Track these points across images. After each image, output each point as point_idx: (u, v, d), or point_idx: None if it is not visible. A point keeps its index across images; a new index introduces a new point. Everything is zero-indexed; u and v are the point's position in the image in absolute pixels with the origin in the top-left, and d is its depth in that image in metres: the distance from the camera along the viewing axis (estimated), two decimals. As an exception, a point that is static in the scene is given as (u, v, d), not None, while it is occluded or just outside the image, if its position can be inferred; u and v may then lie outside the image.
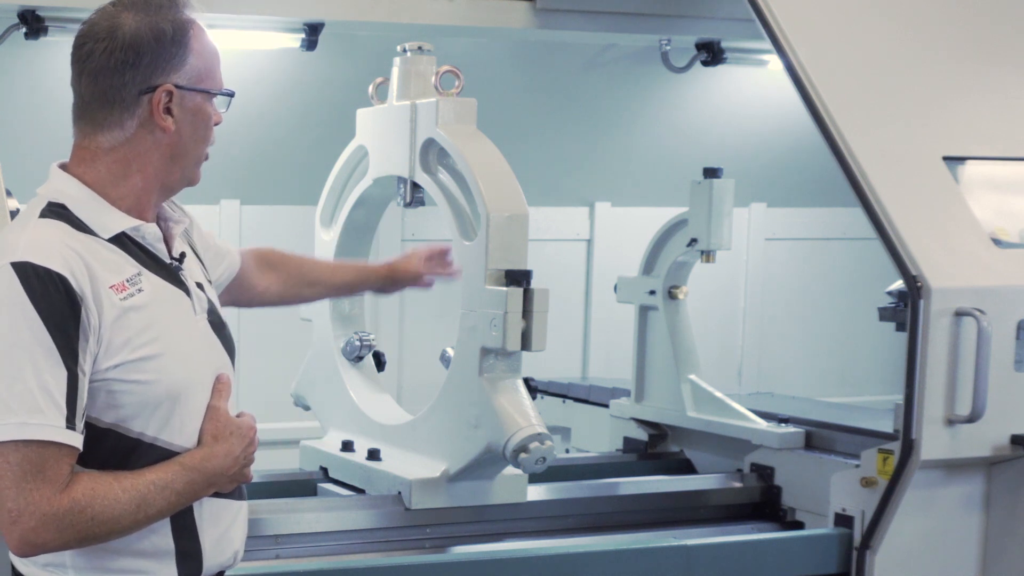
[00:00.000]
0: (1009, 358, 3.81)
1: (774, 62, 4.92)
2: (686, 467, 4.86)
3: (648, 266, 4.88)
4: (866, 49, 4.24)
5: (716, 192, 4.53)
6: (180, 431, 2.21)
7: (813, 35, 4.16)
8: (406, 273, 3.19)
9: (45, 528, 2.07)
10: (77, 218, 2.18)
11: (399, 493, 3.92)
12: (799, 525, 4.38)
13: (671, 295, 4.83)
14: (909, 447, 3.75)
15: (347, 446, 4.29)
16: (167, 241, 2.30)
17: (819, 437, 4.50)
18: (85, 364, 2.09)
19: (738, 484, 4.53)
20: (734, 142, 6.16)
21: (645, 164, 6.21)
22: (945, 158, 4.04)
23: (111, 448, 2.17)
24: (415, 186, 4.11)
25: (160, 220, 2.31)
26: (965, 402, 3.74)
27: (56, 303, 2.06)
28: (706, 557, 3.87)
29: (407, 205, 4.17)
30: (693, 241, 4.62)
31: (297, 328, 4.77)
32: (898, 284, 3.84)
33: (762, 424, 4.57)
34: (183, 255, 2.32)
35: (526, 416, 3.69)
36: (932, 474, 3.85)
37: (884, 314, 3.93)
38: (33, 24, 4.38)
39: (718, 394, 4.76)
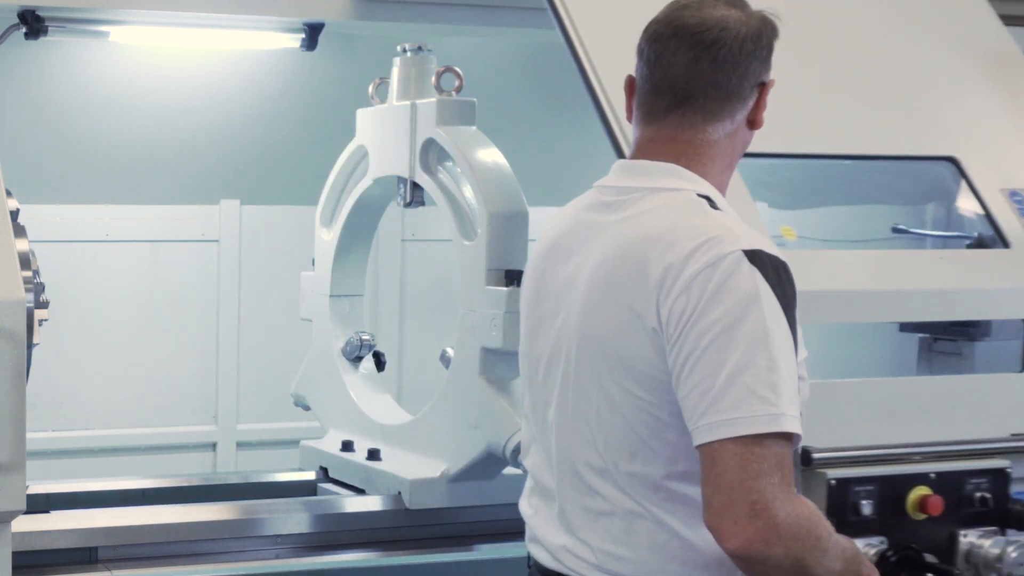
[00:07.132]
0: (1009, 358, 3.81)
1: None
2: (686, 467, 4.85)
3: (648, 266, 4.86)
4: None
5: (716, 192, 4.53)
6: None
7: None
8: None
9: (785, 527, 1.89)
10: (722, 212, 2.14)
11: (399, 493, 3.92)
12: (799, 525, 4.37)
13: (671, 295, 4.81)
14: (909, 447, 3.74)
15: (347, 446, 4.29)
16: None
17: (819, 437, 4.49)
18: (799, 356, 2.05)
19: (738, 484, 4.51)
20: (734, 142, 6.15)
21: (645, 164, 6.20)
22: None
23: None
24: (415, 186, 4.11)
25: None
26: (965, 402, 3.73)
27: (789, 293, 2.03)
28: (706, 557, 3.86)
29: (407, 205, 4.17)
30: (693, 241, 4.60)
31: (297, 328, 4.77)
32: (898, 284, 3.83)
33: (762, 424, 4.56)
34: None
35: (526, 416, 3.69)
36: (932, 474, 3.84)
37: (884, 314, 3.92)
38: (33, 24, 4.37)
39: (718, 394, 4.75)
